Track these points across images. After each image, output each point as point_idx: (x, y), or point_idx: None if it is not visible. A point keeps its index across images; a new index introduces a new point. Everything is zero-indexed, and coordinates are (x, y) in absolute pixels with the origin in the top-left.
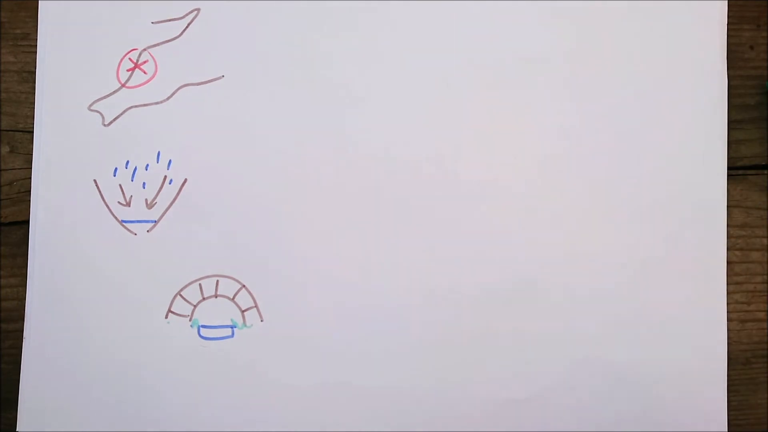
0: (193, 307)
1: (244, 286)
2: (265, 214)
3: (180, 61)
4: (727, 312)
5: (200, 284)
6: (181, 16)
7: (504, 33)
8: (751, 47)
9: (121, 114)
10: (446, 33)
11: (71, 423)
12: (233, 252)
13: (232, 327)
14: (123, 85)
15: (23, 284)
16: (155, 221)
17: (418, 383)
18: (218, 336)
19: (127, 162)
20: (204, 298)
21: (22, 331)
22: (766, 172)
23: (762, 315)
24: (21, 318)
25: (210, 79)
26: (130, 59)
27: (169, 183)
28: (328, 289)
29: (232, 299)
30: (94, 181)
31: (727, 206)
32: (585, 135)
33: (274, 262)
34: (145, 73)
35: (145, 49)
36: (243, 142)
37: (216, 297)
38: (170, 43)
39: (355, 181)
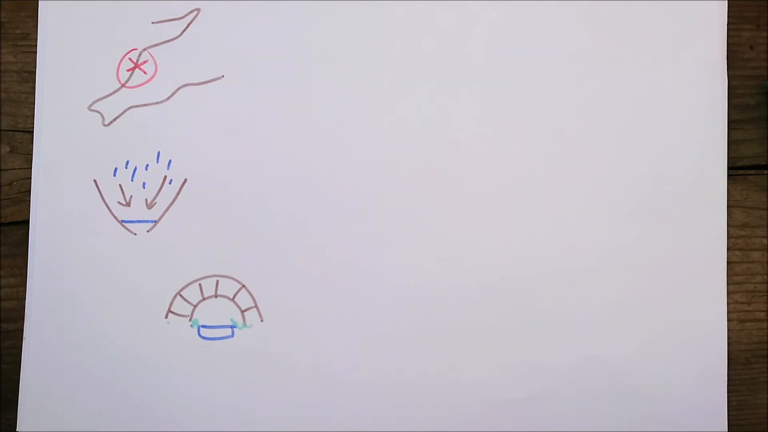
0: (193, 307)
1: (244, 286)
2: (265, 214)
3: (180, 61)
4: (727, 312)
5: (200, 284)
6: (181, 16)
7: (503, 33)
8: (751, 47)
9: (121, 114)
10: (446, 33)
11: (71, 423)
12: (233, 252)
13: (232, 327)
14: (123, 85)
15: (23, 284)
16: (155, 221)
17: (418, 383)
18: (218, 336)
19: (127, 162)
20: (204, 298)
21: (22, 331)
22: (766, 172)
23: (762, 315)
24: (21, 318)
25: (210, 79)
26: (130, 59)
27: (169, 183)
28: (328, 289)
29: (232, 299)
30: (94, 181)
31: (727, 206)
32: (584, 135)
33: (274, 262)
34: (145, 73)
35: (145, 49)
36: (243, 142)
37: (216, 297)
38: (170, 43)
39: (355, 181)
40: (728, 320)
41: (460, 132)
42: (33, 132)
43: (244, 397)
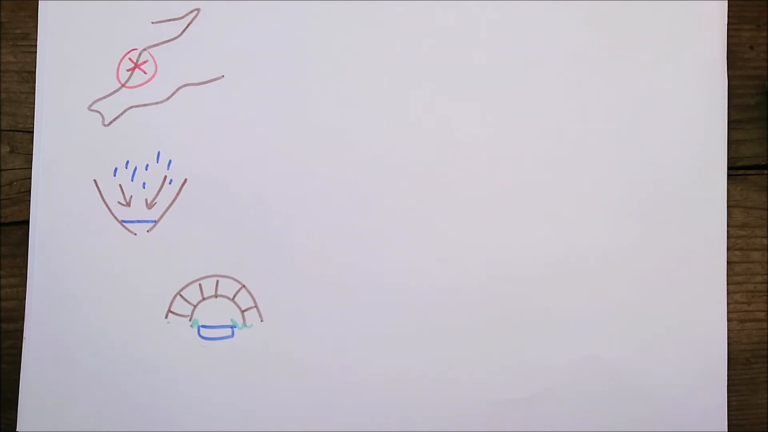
0: (193, 307)
1: (244, 286)
2: (265, 214)
3: (180, 61)
4: (727, 312)
5: (200, 284)
6: (181, 16)
7: (503, 33)
8: (751, 47)
9: (121, 114)
10: (446, 33)
11: (71, 423)
12: (233, 252)
13: (232, 327)
14: (123, 85)
15: (23, 284)
16: (155, 221)
17: (418, 383)
18: (218, 336)
19: (127, 162)
20: (204, 298)
21: (22, 331)
22: (766, 172)
23: (762, 315)
24: (21, 318)
25: (210, 79)
26: (130, 59)
27: (169, 183)
28: (328, 289)
29: (232, 299)
30: (94, 181)
31: (727, 206)
32: (584, 134)
33: (274, 262)
34: (145, 73)
35: (145, 49)
36: (243, 142)
37: (216, 297)
38: (170, 43)
39: (355, 181)
40: (728, 320)
41: (460, 132)
42: (33, 132)
43: (244, 397)
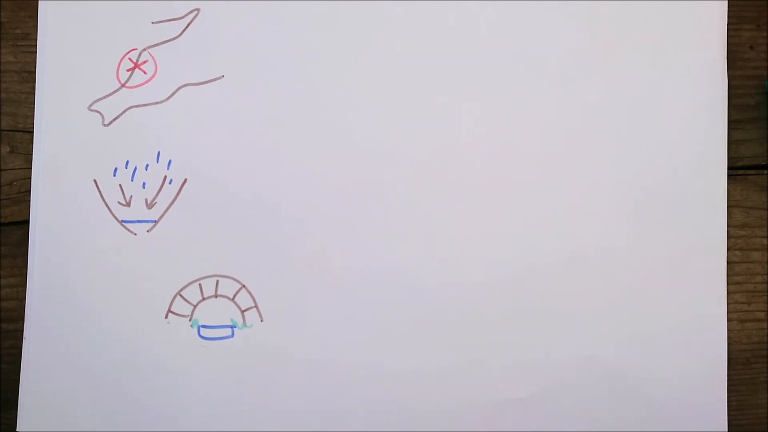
0: (193, 307)
1: (244, 286)
2: (265, 214)
3: (180, 61)
4: (727, 312)
5: (200, 284)
6: (181, 16)
7: (504, 33)
8: (751, 47)
9: (121, 114)
10: (446, 33)
11: (71, 423)
12: (233, 252)
13: (232, 327)
14: (123, 85)
15: (23, 284)
16: (155, 221)
17: (418, 383)
18: (218, 336)
19: (127, 162)
20: (204, 298)
21: (22, 331)
22: (766, 172)
23: (762, 315)
24: (21, 318)
25: (210, 79)
26: (130, 59)
27: (169, 183)
28: (329, 288)
29: (232, 299)
30: (94, 181)
31: (727, 206)
32: (584, 134)
33: (274, 262)
34: (145, 73)
35: (145, 49)
36: (243, 142)
37: (216, 297)
38: (170, 43)
39: (355, 181)
40: (728, 320)
41: (460, 132)
42: (33, 132)
43: (244, 397)
